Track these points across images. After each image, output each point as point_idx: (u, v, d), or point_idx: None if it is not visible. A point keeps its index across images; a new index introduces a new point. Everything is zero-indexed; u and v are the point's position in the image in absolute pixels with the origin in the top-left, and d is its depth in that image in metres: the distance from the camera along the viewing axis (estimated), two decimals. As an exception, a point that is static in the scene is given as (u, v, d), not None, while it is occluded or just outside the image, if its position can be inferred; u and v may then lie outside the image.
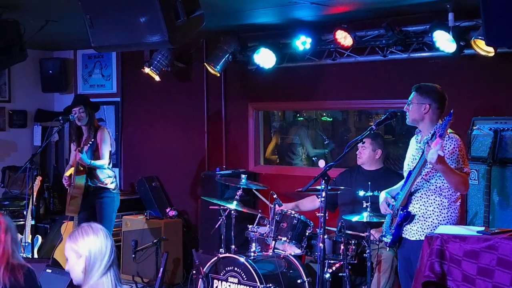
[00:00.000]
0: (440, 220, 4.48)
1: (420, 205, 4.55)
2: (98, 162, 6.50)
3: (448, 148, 4.42)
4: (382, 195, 4.81)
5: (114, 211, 6.77)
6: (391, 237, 4.64)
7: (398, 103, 6.47)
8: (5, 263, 3.58)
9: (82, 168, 6.51)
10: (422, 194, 4.55)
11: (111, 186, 6.67)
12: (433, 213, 4.50)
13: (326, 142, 7.89)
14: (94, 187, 6.61)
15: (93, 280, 3.05)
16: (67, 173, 6.74)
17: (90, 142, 6.38)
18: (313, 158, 7.90)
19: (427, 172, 4.49)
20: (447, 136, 4.43)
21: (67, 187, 6.68)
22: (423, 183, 4.54)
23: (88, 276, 3.06)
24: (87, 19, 4.41)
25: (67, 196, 6.75)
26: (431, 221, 4.49)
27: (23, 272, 3.62)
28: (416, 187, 4.56)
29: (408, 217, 4.56)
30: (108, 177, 6.66)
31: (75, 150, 6.65)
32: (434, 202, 4.50)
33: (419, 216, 4.54)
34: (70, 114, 6.56)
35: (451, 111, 4.29)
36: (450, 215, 4.49)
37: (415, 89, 4.63)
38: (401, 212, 4.56)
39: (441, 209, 4.49)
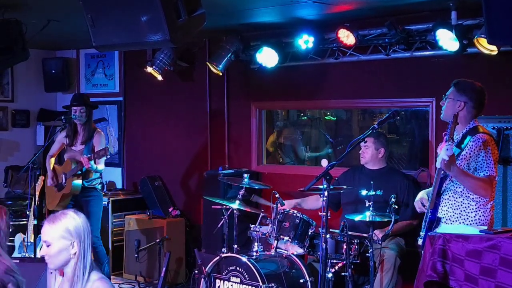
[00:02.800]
0: (468, 224, 4.31)
1: (448, 208, 4.42)
2: (99, 167, 6.58)
3: (474, 148, 4.30)
4: (421, 194, 4.71)
5: (101, 210, 6.89)
6: (421, 239, 4.49)
7: (401, 102, 6.50)
8: None
9: (80, 172, 6.58)
10: (449, 196, 4.42)
11: (99, 186, 6.84)
12: (460, 217, 4.37)
13: (331, 141, 7.87)
14: (82, 186, 6.70)
15: (89, 266, 3.03)
16: (51, 165, 6.87)
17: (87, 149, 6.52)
18: (305, 163, 7.92)
19: None
20: (475, 136, 4.32)
21: (52, 185, 6.78)
22: (451, 185, 4.41)
23: (84, 258, 3.03)
24: (88, 19, 4.40)
25: (48, 190, 6.90)
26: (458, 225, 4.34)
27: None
28: (444, 188, 4.43)
29: (434, 221, 4.43)
30: (97, 178, 6.80)
31: (67, 144, 6.79)
32: (461, 205, 4.37)
33: (446, 220, 4.41)
34: (72, 114, 6.62)
35: (454, 114, 4.27)
36: (479, 219, 4.33)
37: (453, 84, 4.48)
38: (429, 214, 4.43)
39: (468, 212, 4.34)
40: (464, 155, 4.32)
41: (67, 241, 3.02)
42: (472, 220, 4.34)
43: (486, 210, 4.35)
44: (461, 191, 4.36)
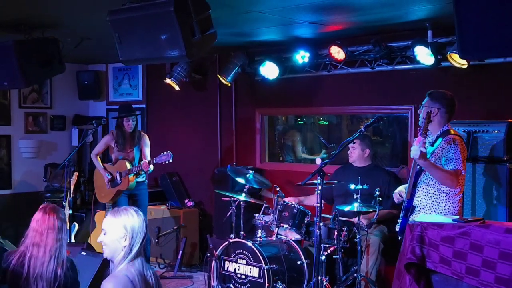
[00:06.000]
0: (438, 213, 4.33)
1: (421, 198, 4.43)
2: (152, 168, 6.53)
3: (445, 145, 4.33)
4: (399, 188, 4.72)
5: (147, 198, 6.93)
6: (399, 226, 4.50)
7: (384, 109, 6.47)
8: (55, 260, 3.65)
9: (136, 173, 6.60)
10: (423, 187, 4.43)
11: (146, 180, 6.88)
12: (432, 206, 4.38)
13: (327, 144, 7.84)
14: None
15: (130, 257, 2.99)
16: (101, 164, 6.78)
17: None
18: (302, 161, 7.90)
19: None
20: (446, 137, 4.35)
21: (107, 184, 6.68)
22: (425, 178, 4.42)
23: (129, 252, 2.98)
24: (116, 37, 4.38)
25: (99, 185, 6.82)
26: (430, 213, 4.35)
27: (68, 265, 3.72)
28: (419, 181, 4.44)
29: (409, 209, 4.43)
30: (144, 174, 6.78)
31: (117, 148, 6.70)
32: (433, 196, 4.38)
33: (420, 208, 4.42)
34: (125, 123, 6.63)
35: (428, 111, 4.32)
36: (449, 209, 4.33)
37: (428, 94, 4.54)
38: (405, 203, 4.44)
39: (439, 203, 4.36)
40: (436, 152, 4.36)
41: (121, 234, 2.98)
42: (442, 209, 4.35)
43: (455, 201, 4.36)
44: (433, 184, 4.38)
